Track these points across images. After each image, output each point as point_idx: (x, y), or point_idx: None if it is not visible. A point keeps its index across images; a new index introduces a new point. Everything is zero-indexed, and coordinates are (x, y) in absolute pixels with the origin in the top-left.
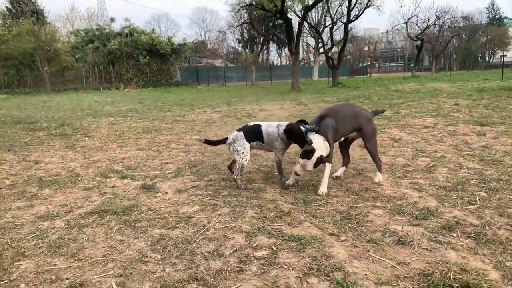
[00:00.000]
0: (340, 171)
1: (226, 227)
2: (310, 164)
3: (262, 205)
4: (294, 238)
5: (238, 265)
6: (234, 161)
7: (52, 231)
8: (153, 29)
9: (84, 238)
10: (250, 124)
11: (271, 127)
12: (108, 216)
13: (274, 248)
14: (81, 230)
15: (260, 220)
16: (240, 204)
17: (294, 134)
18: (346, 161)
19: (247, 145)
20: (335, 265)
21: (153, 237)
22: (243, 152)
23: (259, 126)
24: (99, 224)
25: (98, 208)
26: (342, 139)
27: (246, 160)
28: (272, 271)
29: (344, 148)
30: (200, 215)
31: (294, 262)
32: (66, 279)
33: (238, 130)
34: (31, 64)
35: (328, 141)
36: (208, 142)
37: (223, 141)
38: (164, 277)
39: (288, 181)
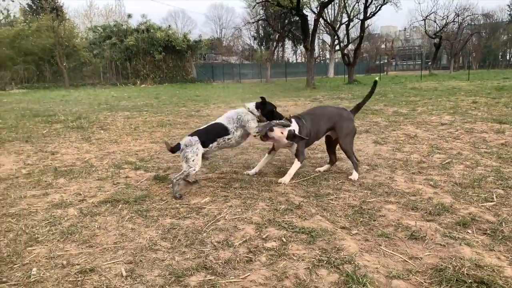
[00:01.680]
0: (324, 167)
1: (236, 218)
2: (280, 132)
3: (273, 197)
4: (305, 231)
5: (247, 256)
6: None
7: (65, 218)
8: (169, 26)
9: (96, 226)
10: (203, 127)
11: (234, 113)
12: (120, 205)
13: (284, 240)
14: (93, 218)
15: (270, 212)
16: (251, 196)
17: (269, 109)
18: (332, 160)
19: (200, 151)
20: (345, 257)
21: (164, 226)
22: (193, 160)
23: (218, 123)
24: (111, 213)
25: (110, 198)
26: (324, 139)
27: (194, 169)
28: (281, 262)
29: (329, 148)
30: (211, 206)
31: (304, 254)
32: (77, 264)
33: (190, 135)
34: (50, 60)
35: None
36: (172, 150)
37: (177, 147)
38: (173, 265)
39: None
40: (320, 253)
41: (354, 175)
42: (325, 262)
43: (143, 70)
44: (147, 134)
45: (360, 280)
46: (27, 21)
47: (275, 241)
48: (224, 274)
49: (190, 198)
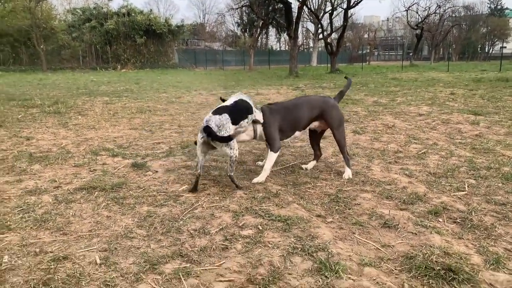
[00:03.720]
0: (310, 165)
1: (214, 206)
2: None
3: (251, 186)
4: (281, 219)
5: (223, 243)
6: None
7: (39, 205)
8: (151, 10)
9: (71, 213)
10: (225, 104)
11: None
12: (96, 193)
13: (260, 228)
14: (68, 205)
15: (248, 200)
16: (229, 184)
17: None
18: (317, 154)
19: (232, 130)
20: (319, 245)
21: (140, 214)
22: (233, 141)
23: (243, 100)
24: (87, 200)
25: (86, 185)
26: (307, 131)
27: (237, 150)
28: (256, 250)
29: (314, 142)
30: (189, 194)
31: (279, 241)
32: (50, 252)
33: (218, 112)
34: (27, 42)
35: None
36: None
37: (207, 129)
38: (148, 252)
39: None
40: (295, 240)
41: (347, 173)
42: (299, 249)
43: (124, 55)
44: (126, 120)
45: (333, 267)
46: (2, 1)
47: (251, 229)
48: (199, 262)
49: (167, 186)
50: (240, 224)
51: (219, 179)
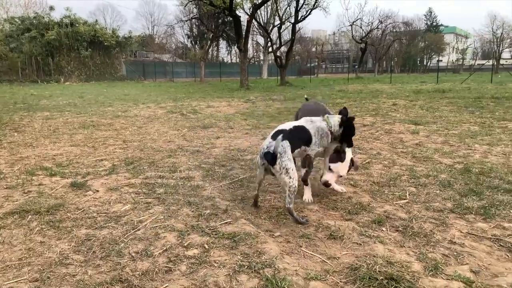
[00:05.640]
0: None
1: (158, 226)
2: (343, 166)
3: (199, 202)
4: (228, 236)
5: (167, 265)
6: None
7: None
8: (96, 20)
9: None
10: (282, 127)
11: (321, 125)
12: (29, 216)
13: (206, 247)
14: None
15: (195, 218)
16: (175, 202)
17: (350, 129)
18: None
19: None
20: (266, 261)
21: (78, 238)
22: (292, 169)
23: (303, 127)
24: (18, 225)
25: (19, 208)
26: None
27: (296, 180)
28: (201, 270)
29: None
30: (132, 214)
31: (225, 260)
32: None
33: (277, 137)
34: None
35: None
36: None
37: (270, 156)
38: (85, 280)
39: (306, 200)
40: (241, 258)
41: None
42: (246, 267)
43: (67, 67)
44: (67, 137)
45: (279, 283)
46: None
47: (197, 248)
48: (140, 287)
49: (109, 206)
50: (185, 244)
51: (164, 196)
